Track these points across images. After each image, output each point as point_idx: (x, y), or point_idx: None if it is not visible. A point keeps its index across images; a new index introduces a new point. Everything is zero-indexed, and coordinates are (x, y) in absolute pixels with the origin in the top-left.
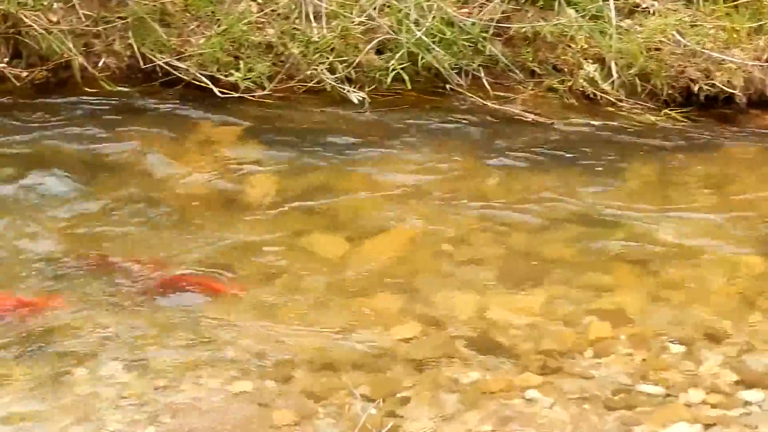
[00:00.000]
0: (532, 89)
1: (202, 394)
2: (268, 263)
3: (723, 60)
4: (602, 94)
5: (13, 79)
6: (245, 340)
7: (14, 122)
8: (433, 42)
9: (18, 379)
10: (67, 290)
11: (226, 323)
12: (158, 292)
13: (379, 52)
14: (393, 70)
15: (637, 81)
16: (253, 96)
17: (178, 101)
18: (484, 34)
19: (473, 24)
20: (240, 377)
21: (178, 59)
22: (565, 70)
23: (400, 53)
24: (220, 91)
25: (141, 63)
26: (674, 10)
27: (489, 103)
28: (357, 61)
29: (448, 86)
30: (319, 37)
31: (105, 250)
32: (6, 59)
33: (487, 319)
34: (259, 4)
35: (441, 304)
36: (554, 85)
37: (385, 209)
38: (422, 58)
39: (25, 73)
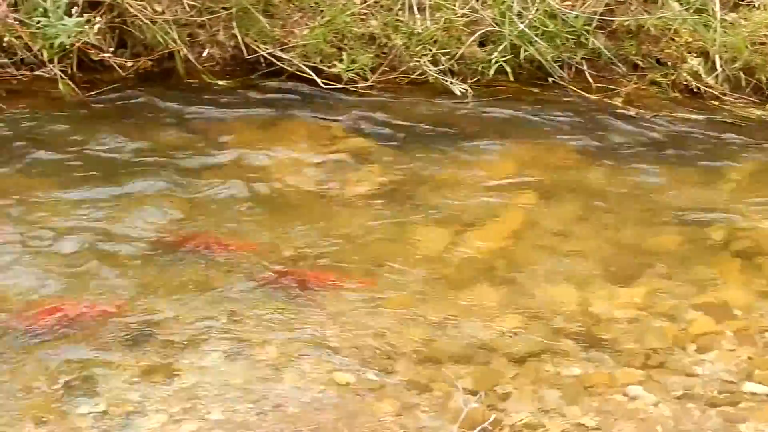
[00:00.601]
0: (634, 83)
1: (305, 385)
2: (370, 255)
3: None
4: (706, 88)
5: (118, 69)
6: (348, 331)
7: (119, 112)
8: (536, 34)
9: (124, 369)
10: (172, 278)
11: (329, 314)
12: (259, 282)
13: (481, 44)
14: (496, 62)
15: (742, 75)
16: (355, 87)
17: (280, 92)
18: (587, 27)
19: (576, 17)
20: (342, 368)
21: (281, 50)
22: (669, 63)
23: (503, 45)
24: (323, 83)
25: (245, 54)
26: None
27: (591, 96)
28: (460, 53)
29: (550, 79)
30: (422, 29)
31: (208, 236)
32: (111, 49)
33: (590, 313)
34: None
35: (543, 297)
36: (657, 79)
37: (486, 201)
38: (525, 50)
39: (130, 63)
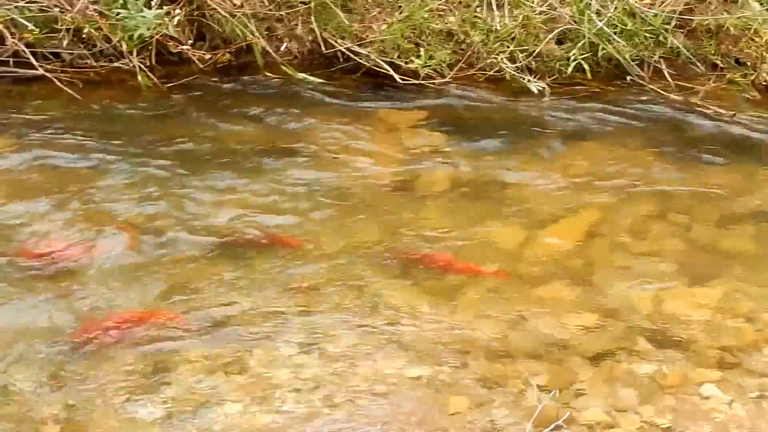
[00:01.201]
0: (713, 82)
1: (378, 378)
2: (444, 249)
3: None
4: None
5: (196, 62)
6: (422, 325)
7: (196, 104)
8: (614, 32)
9: (197, 361)
10: (244, 270)
11: (402, 308)
12: (329, 277)
13: (559, 41)
14: (574, 60)
15: None
16: (432, 83)
17: (357, 87)
18: (666, 26)
19: (655, 15)
20: (416, 362)
21: (359, 45)
22: (748, 63)
23: (581, 43)
24: (400, 78)
25: (323, 48)
26: None
27: (669, 95)
28: (537, 50)
29: (628, 77)
30: (500, 26)
31: (284, 232)
32: (190, 41)
33: (665, 313)
34: None
35: (617, 295)
36: (736, 79)
37: (562, 199)
38: (603, 48)
39: (208, 56)
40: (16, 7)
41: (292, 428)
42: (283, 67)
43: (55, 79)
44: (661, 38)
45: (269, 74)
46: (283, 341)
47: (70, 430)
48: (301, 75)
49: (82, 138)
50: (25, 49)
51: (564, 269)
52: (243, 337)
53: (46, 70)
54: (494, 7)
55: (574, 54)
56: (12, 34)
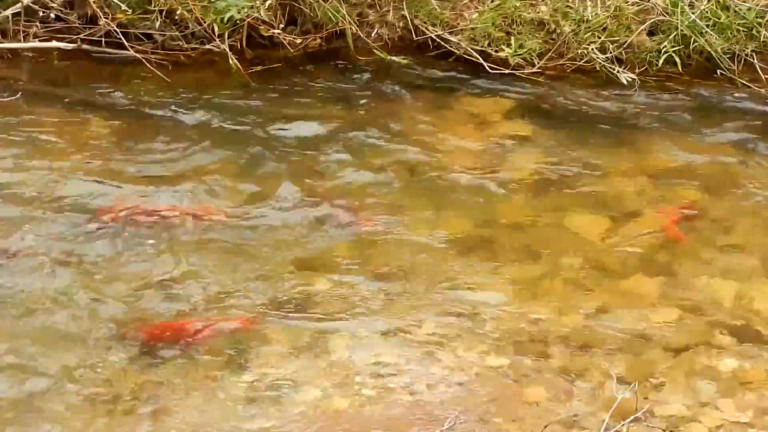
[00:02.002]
0: None
1: (457, 366)
2: (528, 240)
3: None
4: None
5: (287, 46)
6: (503, 315)
7: (286, 88)
8: (707, 25)
9: (278, 344)
10: (327, 253)
11: (485, 297)
12: (413, 262)
13: (650, 33)
14: (665, 52)
15: None
16: (521, 72)
17: (447, 75)
18: (760, 20)
19: (749, 9)
20: (496, 352)
21: (449, 33)
22: None
23: (673, 35)
24: (489, 67)
25: (413, 35)
26: None
27: (761, 90)
28: (628, 41)
29: (719, 71)
30: (592, 16)
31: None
32: (281, 26)
33: (749, 308)
34: None
35: (701, 289)
36: None
37: (648, 191)
38: (694, 41)
39: (299, 40)
40: None
41: (370, 414)
42: (375, 51)
43: (145, 61)
44: (754, 32)
45: (360, 59)
46: (364, 326)
47: (155, 411)
48: (392, 57)
49: (171, 119)
50: (117, 30)
51: (647, 262)
52: (324, 322)
53: (137, 51)
54: None
55: (665, 46)
56: (105, 14)
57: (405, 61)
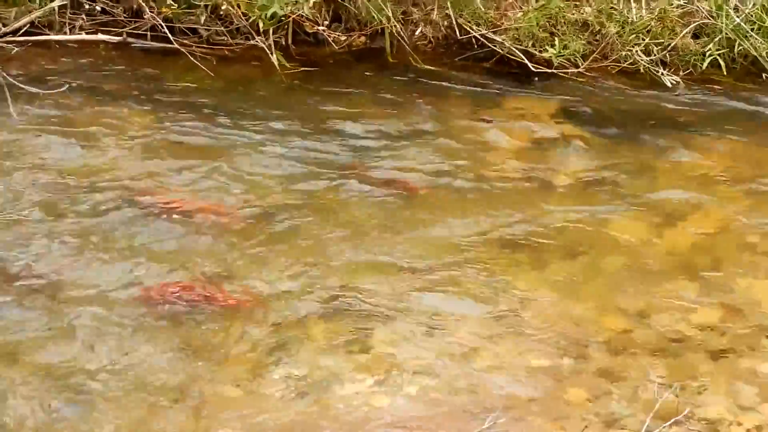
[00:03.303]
0: None
1: (499, 366)
2: (571, 240)
3: None
4: None
5: (331, 43)
6: (545, 315)
7: (330, 84)
8: (752, 29)
9: (319, 338)
10: (370, 248)
11: (526, 297)
12: (456, 261)
13: (695, 35)
14: (709, 55)
15: None
16: (565, 73)
17: (490, 75)
18: None
19: None
20: (537, 351)
21: (493, 32)
22: None
23: (718, 38)
24: (533, 67)
25: (457, 34)
26: None
27: None
28: (673, 44)
29: (764, 75)
30: (636, 18)
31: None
32: (326, 23)
33: None
34: None
35: (743, 293)
36: None
37: (690, 194)
38: (739, 44)
39: (343, 38)
40: None
41: (411, 410)
42: (410, 57)
43: (189, 55)
44: None
45: (403, 57)
46: (406, 323)
47: (196, 403)
48: (434, 60)
49: (215, 113)
50: (163, 24)
51: (689, 264)
52: (366, 317)
53: (181, 45)
54: None
55: (709, 49)
56: (150, 8)
57: (443, 60)
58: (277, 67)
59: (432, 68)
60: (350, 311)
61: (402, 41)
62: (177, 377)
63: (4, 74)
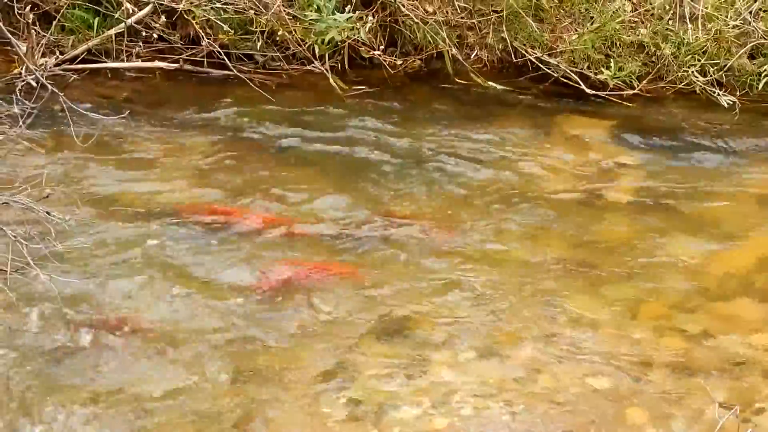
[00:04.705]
0: None
1: (558, 387)
2: (628, 261)
3: None
4: None
5: (387, 67)
6: (603, 336)
7: (385, 108)
8: None
9: (378, 363)
10: (424, 272)
11: (584, 319)
12: (512, 285)
13: (751, 56)
14: (765, 75)
15: None
16: (621, 95)
17: (546, 96)
18: None
19: None
20: (596, 373)
21: (549, 55)
22: None
23: None
24: (589, 89)
25: (512, 57)
26: None
27: None
28: (729, 64)
29: None
30: (692, 39)
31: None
32: (382, 47)
33: None
34: (633, 3)
35: None
36: None
37: (750, 215)
38: None
39: (399, 62)
40: (213, 8)
41: None
42: (473, 75)
43: (248, 80)
44: None
45: (459, 81)
46: (463, 346)
47: (257, 428)
48: (490, 82)
49: (272, 137)
50: (220, 50)
51: (750, 286)
52: (423, 341)
53: (239, 71)
54: (687, 20)
55: (766, 69)
56: (207, 35)
57: (499, 87)
58: (338, 90)
59: (484, 92)
60: (407, 335)
61: (462, 63)
62: (237, 400)
63: (66, 100)
